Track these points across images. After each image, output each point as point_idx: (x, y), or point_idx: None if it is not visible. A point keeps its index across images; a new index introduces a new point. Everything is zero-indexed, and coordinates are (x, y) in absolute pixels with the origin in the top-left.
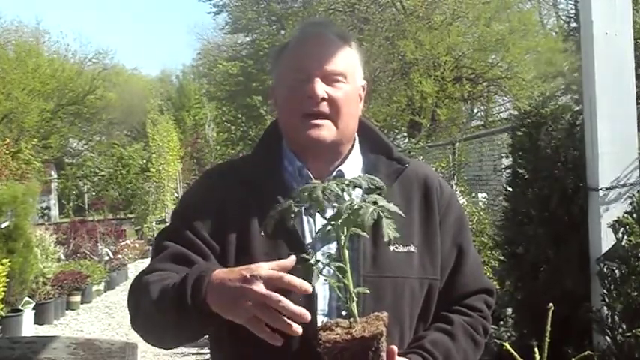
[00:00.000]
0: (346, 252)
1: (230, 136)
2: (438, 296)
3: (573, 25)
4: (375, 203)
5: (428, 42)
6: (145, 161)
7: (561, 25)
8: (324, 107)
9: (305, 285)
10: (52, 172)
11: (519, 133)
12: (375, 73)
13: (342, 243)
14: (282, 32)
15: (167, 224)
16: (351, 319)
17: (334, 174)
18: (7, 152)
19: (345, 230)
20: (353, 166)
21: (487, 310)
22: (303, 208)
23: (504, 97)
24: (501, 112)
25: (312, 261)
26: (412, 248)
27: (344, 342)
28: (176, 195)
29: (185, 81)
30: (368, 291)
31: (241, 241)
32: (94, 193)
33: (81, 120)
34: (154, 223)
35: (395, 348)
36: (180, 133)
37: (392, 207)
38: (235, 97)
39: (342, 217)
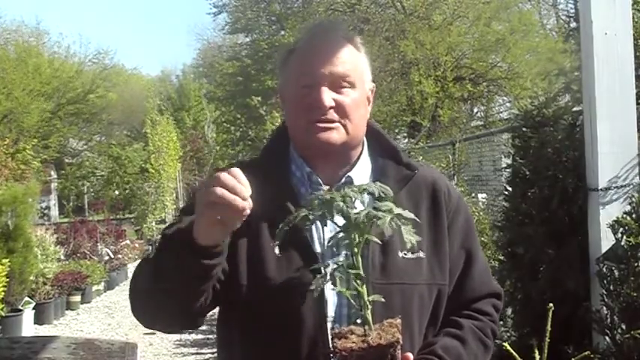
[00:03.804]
0: (360, 260)
1: (230, 136)
2: (447, 300)
3: (573, 24)
4: (389, 211)
5: (428, 42)
6: (143, 162)
7: (561, 26)
8: (333, 115)
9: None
10: (52, 172)
11: (525, 130)
12: (375, 73)
13: (357, 251)
14: (282, 32)
15: (173, 220)
16: (366, 327)
17: (343, 180)
18: (7, 152)
19: (359, 239)
20: (362, 171)
21: (495, 313)
22: (317, 216)
23: (504, 97)
24: (501, 112)
25: (328, 271)
26: (421, 254)
27: (360, 350)
28: (175, 195)
29: (185, 81)
30: (383, 299)
31: (251, 248)
32: (93, 194)
33: (80, 120)
34: (153, 223)
35: (410, 355)
36: (180, 133)
37: (408, 214)
38: (235, 97)
39: (359, 226)
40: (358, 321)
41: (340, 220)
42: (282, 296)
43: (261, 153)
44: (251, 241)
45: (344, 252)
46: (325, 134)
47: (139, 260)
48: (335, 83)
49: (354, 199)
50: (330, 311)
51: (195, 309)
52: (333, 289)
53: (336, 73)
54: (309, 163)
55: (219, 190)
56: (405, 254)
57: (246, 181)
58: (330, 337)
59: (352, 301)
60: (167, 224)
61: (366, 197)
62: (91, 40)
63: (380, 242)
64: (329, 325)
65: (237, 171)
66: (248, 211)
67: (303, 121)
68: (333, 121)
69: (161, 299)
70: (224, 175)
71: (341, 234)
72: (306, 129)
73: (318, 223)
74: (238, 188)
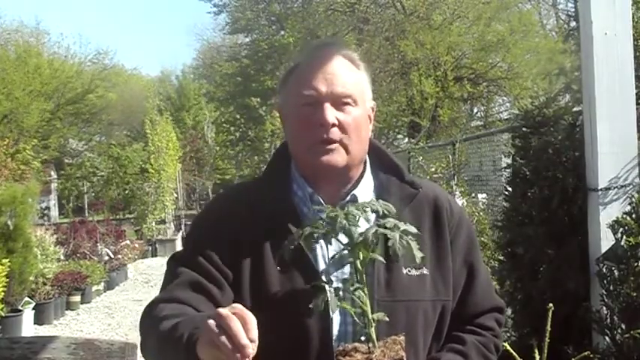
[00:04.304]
0: (364, 278)
1: (229, 137)
2: (450, 316)
3: (573, 24)
4: (396, 227)
5: (428, 42)
6: (143, 162)
7: (561, 26)
8: (335, 134)
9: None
10: (52, 173)
11: (525, 130)
12: (375, 73)
13: (362, 269)
14: (282, 32)
15: (180, 250)
16: (370, 344)
17: (348, 198)
18: (7, 152)
19: (364, 256)
20: (365, 189)
21: (498, 328)
22: (320, 234)
23: (504, 97)
24: (501, 112)
25: (332, 289)
26: (424, 271)
27: None
28: (175, 195)
29: (185, 81)
30: (387, 318)
31: (255, 268)
32: (93, 194)
33: (80, 120)
34: (153, 223)
35: None
36: (180, 133)
37: (413, 229)
38: (235, 98)
39: (366, 244)
40: (362, 338)
41: (344, 238)
42: (286, 315)
43: (262, 173)
44: (253, 261)
45: (348, 269)
46: (327, 157)
47: (155, 299)
48: (336, 102)
49: (357, 217)
50: (335, 329)
51: None
52: (338, 306)
53: (337, 93)
54: (311, 182)
55: (223, 339)
56: (410, 271)
57: (256, 334)
58: (334, 354)
59: (356, 319)
60: (176, 256)
61: (371, 215)
62: (90, 40)
63: (384, 260)
64: (333, 343)
65: (251, 320)
66: None
67: (305, 141)
68: (334, 142)
69: None
70: (235, 324)
71: (345, 252)
72: (308, 148)
73: (322, 241)
74: (242, 343)
